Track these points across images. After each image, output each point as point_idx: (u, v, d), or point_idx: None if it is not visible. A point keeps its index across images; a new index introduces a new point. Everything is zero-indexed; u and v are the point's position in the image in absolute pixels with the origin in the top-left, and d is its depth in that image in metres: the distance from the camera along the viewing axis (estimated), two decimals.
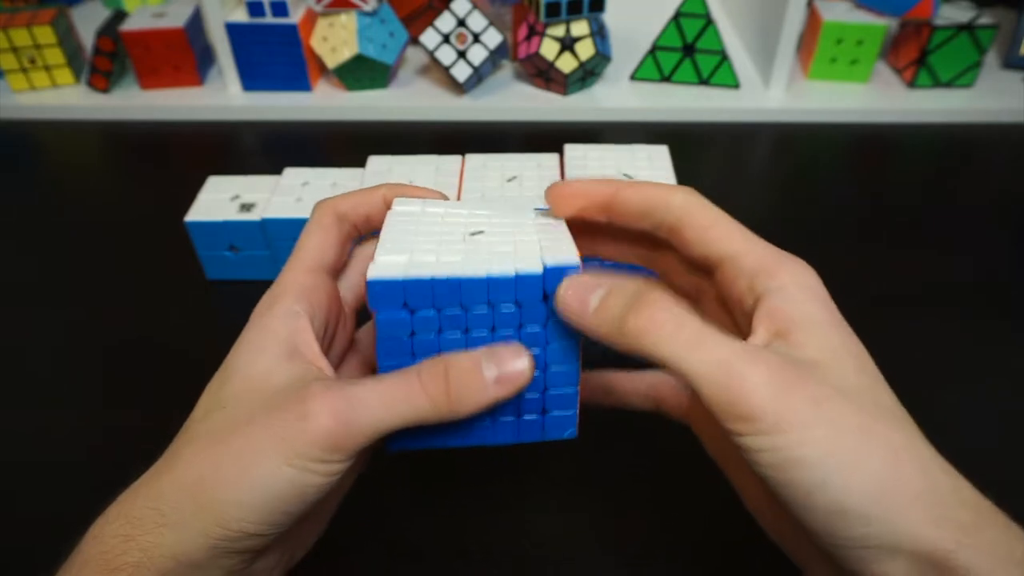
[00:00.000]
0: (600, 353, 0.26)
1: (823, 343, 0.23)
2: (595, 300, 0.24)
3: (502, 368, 0.24)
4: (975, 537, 0.21)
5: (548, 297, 0.25)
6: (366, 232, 0.30)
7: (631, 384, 0.31)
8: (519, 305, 0.25)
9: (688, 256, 0.27)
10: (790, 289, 0.24)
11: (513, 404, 0.26)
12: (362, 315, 0.32)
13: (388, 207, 0.29)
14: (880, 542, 0.21)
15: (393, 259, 0.25)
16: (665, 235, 0.27)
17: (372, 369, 0.31)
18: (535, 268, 0.25)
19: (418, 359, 0.25)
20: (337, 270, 0.29)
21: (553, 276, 0.25)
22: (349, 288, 0.31)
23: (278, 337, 0.25)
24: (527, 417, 0.27)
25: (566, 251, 0.25)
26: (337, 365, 0.30)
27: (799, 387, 0.21)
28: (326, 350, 0.28)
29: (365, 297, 0.31)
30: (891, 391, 0.23)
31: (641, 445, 0.38)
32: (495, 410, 0.26)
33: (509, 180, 0.46)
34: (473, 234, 0.27)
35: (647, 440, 0.38)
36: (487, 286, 0.25)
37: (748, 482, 0.27)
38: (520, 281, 0.25)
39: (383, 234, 0.27)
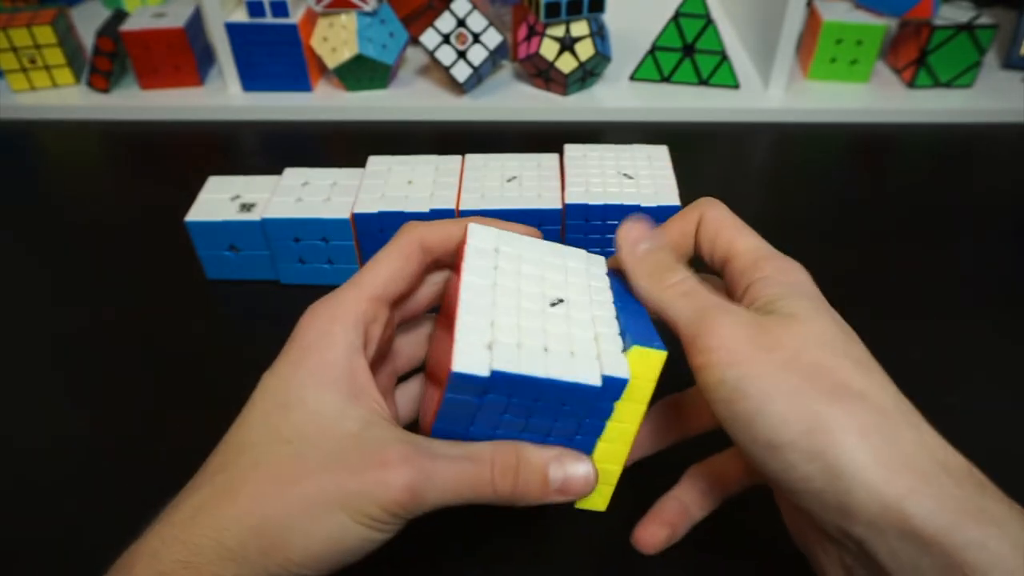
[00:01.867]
0: None
1: (800, 306, 0.25)
2: (641, 248, 0.28)
3: (567, 472, 0.26)
4: (932, 484, 0.21)
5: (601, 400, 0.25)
6: (448, 263, 0.30)
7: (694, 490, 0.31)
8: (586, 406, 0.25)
9: (707, 261, 0.29)
10: (775, 277, 0.26)
11: None
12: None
13: None
14: (828, 489, 0.21)
15: (476, 345, 0.24)
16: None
17: (399, 377, 0.32)
18: (620, 376, 0.25)
19: (473, 431, 0.25)
20: (403, 299, 0.29)
21: (611, 387, 0.25)
22: (402, 311, 0.30)
23: (340, 373, 0.25)
24: None
25: (618, 361, 0.25)
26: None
27: (758, 335, 0.23)
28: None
29: (413, 318, 0.31)
30: (868, 353, 0.24)
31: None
32: None
33: (509, 180, 0.46)
34: (553, 304, 0.27)
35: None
36: (568, 390, 0.24)
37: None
38: (603, 391, 0.25)
39: (461, 304, 0.25)
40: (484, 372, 0.23)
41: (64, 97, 0.68)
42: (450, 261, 0.29)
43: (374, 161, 0.49)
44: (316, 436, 0.24)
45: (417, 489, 0.24)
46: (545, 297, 0.27)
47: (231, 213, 0.46)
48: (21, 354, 0.44)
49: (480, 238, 0.28)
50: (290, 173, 0.48)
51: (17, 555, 0.34)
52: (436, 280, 0.31)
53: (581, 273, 0.29)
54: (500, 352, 0.24)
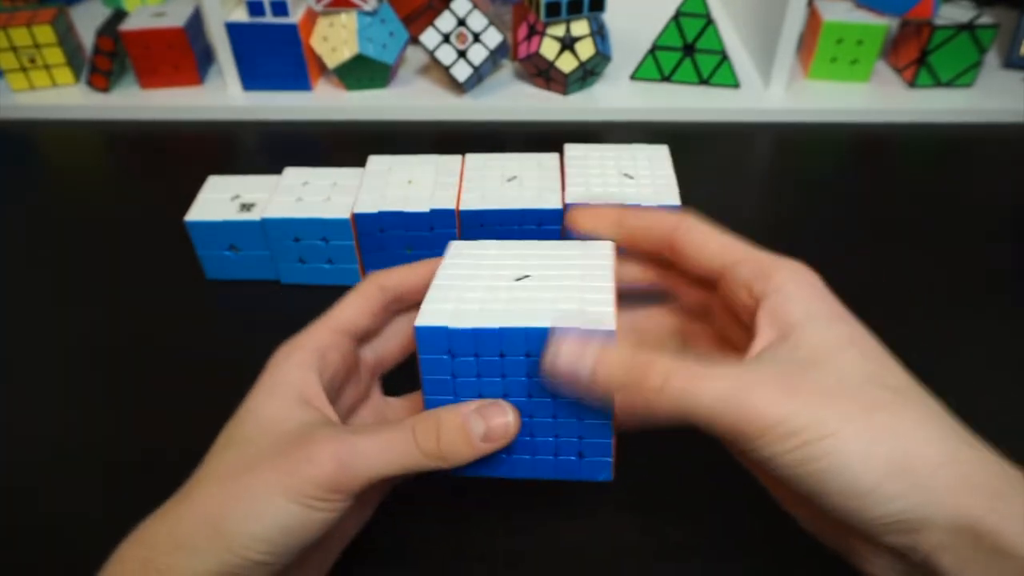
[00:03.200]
0: None
1: (823, 338, 0.24)
2: (586, 367, 0.25)
3: (489, 424, 0.27)
4: (1006, 501, 0.22)
5: None
6: (410, 304, 0.32)
7: None
8: None
9: (691, 272, 0.29)
10: (787, 288, 0.26)
11: (551, 445, 0.28)
12: (387, 383, 0.34)
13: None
14: (909, 517, 0.22)
15: (440, 307, 0.27)
16: (668, 255, 0.30)
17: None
18: (571, 327, 0.25)
19: (460, 399, 0.27)
20: (365, 335, 0.32)
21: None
22: (376, 353, 0.33)
23: (290, 386, 0.28)
24: (564, 458, 0.28)
25: (603, 313, 0.26)
26: (346, 418, 0.32)
27: (801, 391, 0.23)
28: (333, 403, 0.30)
29: (392, 363, 0.34)
30: (902, 371, 0.25)
31: (655, 446, 0.38)
32: (535, 449, 0.28)
33: (509, 180, 0.46)
34: (519, 279, 0.28)
35: (662, 442, 0.38)
36: (524, 337, 0.26)
37: (782, 488, 0.28)
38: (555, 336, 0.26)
39: (434, 281, 0.29)
40: (444, 322, 0.26)
41: (64, 97, 0.68)
42: (413, 299, 0.32)
43: (374, 161, 0.49)
44: (258, 436, 0.27)
45: (343, 460, 0.25)
46: (512, 273, 0.29)
47: (231, 213, 0.46)
48: (20, 354, 0.44)
49: (459, 247, 0.31)
50: (290, 173, 0.48)
51: (15, 554, 0.34)
52: (402, 327, 0.34)
53: (572, 257, 0.30)
54: (460, 310, 0.27)
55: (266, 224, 0.45)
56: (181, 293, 0.48)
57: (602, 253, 0.30)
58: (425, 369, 0.27)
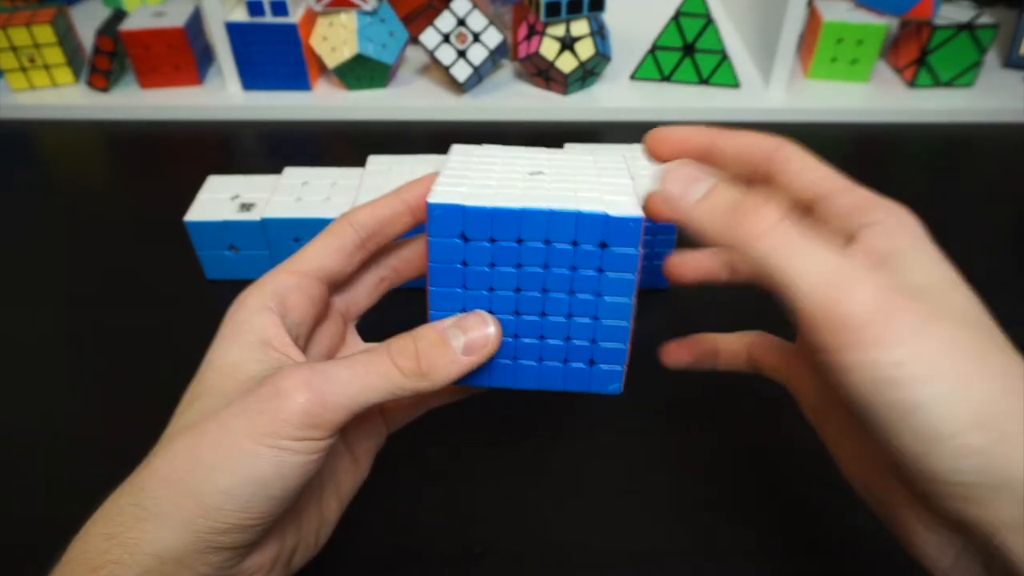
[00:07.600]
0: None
1: (928, 272, 0.22)
2: (699, 191, 0.23)
3: (469, 336, 0.25)
4: None
5: (607, 246, 0.24)
6: (384, 240, 0.29)
7: (732, 344, 0.31)
8: (576, 245, 0.25)
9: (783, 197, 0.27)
10: (888, 223, 0.23)
11: (560, 350, 0.26)
12: (365, 332, 0.32)
13: (409, 209, 0.28)
14: (984, 480, 0.19)
15: (454, 188, 0.25)
16: (761, 180, 0.27)
17: None
18: (598, 210, 0.24)
19: (470, 292, 0.25)
20: (337, 277, 0.29)
21: (615, 227, 0.24)
22: (353, 301, 0.31)
23: (251, 330, 0.26)
24: (574, 364, 0.27)
25: (629, 203, 0.25)
26: None
27: (906, 304, 0.20)
28: (305, 350, 0.28)
29: (360, 310, 0.31)
30: (995, 323, 0.22)
31: (648, 445, 0.38)
32: (544, 353, 0.26)
33: None
34: (532, 174, 0.27)
35: (655, 440, 0.38)
36: (547, 221, 0.24)
37: (844, 441, 0.26)
38: (581, 220, 0.24)
39: (444, 169, 0.27)
40: (460, 201, 0.24)
41: (63, 96, 0.68)
42: (387, 231, 0.29)
43: (374, 161, 0.49)
44: (220, 385, 0.24)
45: (316, 389, 0.23)
46: (526, 169, 0.27)
47: (231, 213, 0.46)
48: (21, 354, 0.44)
49: (464, 147, 0.29)
50: (290, 173, 0.48)
51: (14, 554, 0.34)
52: (370, 267, 0.31)
53: (585, 160, 0.28)
54: (476, 192, 0.24)
55: (266, 224, 0.45)
56: (181, 293, 0.48)
57: (616, 156, 0.29)
58: (434, 255, 0.25)
